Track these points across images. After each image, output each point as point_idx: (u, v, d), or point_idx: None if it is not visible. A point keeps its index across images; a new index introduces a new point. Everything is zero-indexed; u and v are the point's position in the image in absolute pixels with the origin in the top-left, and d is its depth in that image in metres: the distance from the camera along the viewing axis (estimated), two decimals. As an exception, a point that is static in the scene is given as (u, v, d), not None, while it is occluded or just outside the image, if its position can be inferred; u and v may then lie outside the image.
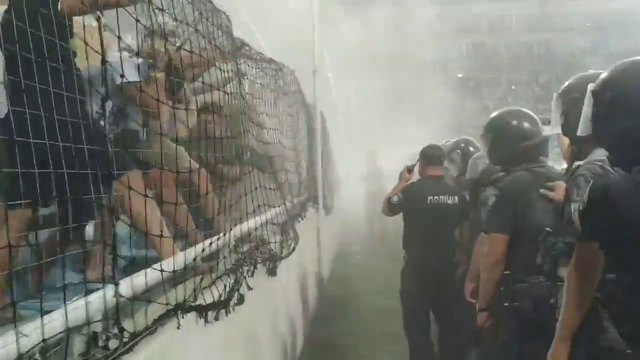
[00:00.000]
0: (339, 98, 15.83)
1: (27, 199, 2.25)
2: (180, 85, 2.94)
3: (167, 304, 2.03)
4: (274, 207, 4.31)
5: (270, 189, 4.11)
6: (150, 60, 2.79)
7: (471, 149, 4.84)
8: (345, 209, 14.47)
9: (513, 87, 42.18)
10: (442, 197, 4.72)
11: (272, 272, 4.09)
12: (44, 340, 1.44)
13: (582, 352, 2.11)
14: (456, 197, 4.76)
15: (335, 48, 14.68)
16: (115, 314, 1.72)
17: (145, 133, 3.18)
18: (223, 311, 2.79)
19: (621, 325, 1.96)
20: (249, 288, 3.34)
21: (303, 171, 6.37)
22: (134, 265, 2.11)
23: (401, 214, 4.93)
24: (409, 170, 5.04)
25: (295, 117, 5.82)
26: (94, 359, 1.72)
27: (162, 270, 2.05)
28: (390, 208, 4.87)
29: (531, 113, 3.38)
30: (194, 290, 2.33)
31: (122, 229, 2.93)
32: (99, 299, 1.67)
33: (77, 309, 1.59)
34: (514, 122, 3.32)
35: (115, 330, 1.80)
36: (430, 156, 4.91)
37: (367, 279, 9.05)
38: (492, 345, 3.40)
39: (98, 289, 1.74)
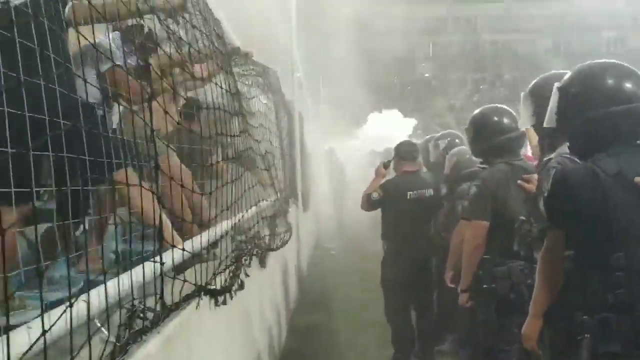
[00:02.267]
0: (308, 96, 16.05)
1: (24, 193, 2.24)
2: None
3: (195, 284, 2.24)
4: (268, 200, 4.54)
5: (265, 184, 4.32)
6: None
7: (457, 141, 5.16)
8: (316, 204, 14.75)
9: (481, 87, 42.96)
10: (420, 191, 5.03)
11: (262, 262, 4.32)
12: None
13: (554, 328, 2.37)
14: (432, 190, 5.08)
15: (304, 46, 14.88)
16: (160, 289, 1.90)
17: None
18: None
19: (578, 296, 2.19)
20: (247, 275, 3.56)
21: (287, 168, 6.60)
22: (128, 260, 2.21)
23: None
24: (385, 166, 5.32)
25: (278, 116, 6.05)
26: (133, 330, 1.91)
27: (183, 250, 2.25)
28: (370, 204, 5.12)
29: (510, 110, 3.68)
30: (214, 274, 2.53)
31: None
32: (139, 275, 1.86)
33: (118, 284, 1.77)
34: (495, 118, 3.62)
35: (151, 305, 2.00)
36: (404, 152, 5.20)
37: (342, 273, 9.31)
38: (471, 324, 3.70)
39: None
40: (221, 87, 2.78)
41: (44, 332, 1.31)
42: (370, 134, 17.89)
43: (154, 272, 1.87)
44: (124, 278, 1.70)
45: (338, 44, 22.51)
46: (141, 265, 1.86)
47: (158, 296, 1.89)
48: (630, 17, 40.84)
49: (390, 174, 5.35)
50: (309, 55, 13.90)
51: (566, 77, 2.36)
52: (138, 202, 2.00)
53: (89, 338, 1.55)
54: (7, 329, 1.28)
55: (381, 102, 23.08)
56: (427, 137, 6.19)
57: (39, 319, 1.33)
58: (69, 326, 1.46)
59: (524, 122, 2.99)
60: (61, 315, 1.41)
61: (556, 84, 2.37)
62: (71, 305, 1.45)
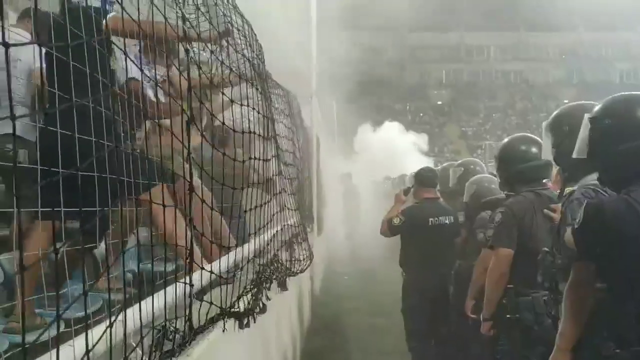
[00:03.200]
0: (323, 120, 16.14)
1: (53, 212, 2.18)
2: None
3: (221, 307, 2.23)
4: (293, 226, 4.55)
5: (290, 209, 4.34)
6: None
7: (478, 168, 5.15)
8: (329, 228, 14.72)
9: (493, 115, 43.03)
10: (440, 218, 5.04)
11: (282, 285, 4.30)
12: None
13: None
14: (452, 217, 5.08)
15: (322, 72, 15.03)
16: (188, 311, 1.90)
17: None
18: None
19: (611, 329, 2.16)
20: (268, 299, 3.55)
21: (305, 192, 6.62)
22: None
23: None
24: (405, 193, 5.37)
25: (299, 140, 6.09)
26: (163, 350, 1.91)
27: (212, 273, 2.25)
28: (391, 230, 5.12)
29: (538, 139, 3.68)
30: (239, 296, 2.52)
31: (131, 242, 3.11)
32: (171, 298, 1.86)
33: (149, 306, 1.77)
34: (522, 146, 3.62)
35: (178, 326, 2.00)
36: (424, 178, 5.23)
37: (355, 298, 9.25)
38: (493, 354, 3.65)
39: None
40: (259, 112, 2.81)
41: (88, 351, 1.31)
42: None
43: (182, 294, 1.86)
44: (154, 299, 1.69)
45: (351, 71, 22.70)
46: (170, 286, 1.86)
47: (186, 318, 1.87)
48: (644, 49, 40.81)
49: (408, 201, 5.38)
50: (323, 81, 14.06)
51: (598, 108, 2.36)
52: (170, 224, 2.01)
53: (126, 358, 1.56)
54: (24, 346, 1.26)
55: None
56: (445, 164, 6.19)
57: (82, 337, 1.34)
58: (107, 345, 1.47)
59: (545, 155, 2.99)
60: (102, 334, 1.41)
61: (587, 115, 2.37)
62: (111, 326, 1.46)
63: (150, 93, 2.74)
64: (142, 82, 2.18)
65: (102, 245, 3.64)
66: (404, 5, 34.86)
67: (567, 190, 2.77)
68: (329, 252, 13.36)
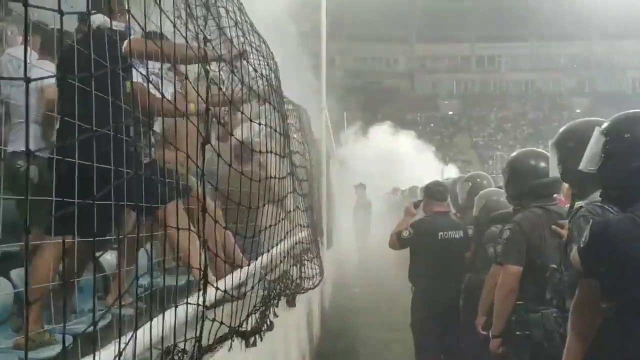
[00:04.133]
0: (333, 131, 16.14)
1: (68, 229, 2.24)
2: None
3: (229, 327, 2.24)
4: (307, 243, 4.55)
5: (304, 225, 4.35)
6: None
7: (485, 182, 5.14)
8: (339, 241, 14.68)
9: (505, 125, 42.86)
10: (450, 232, 5.00)
11: (291, 303, 4.29)
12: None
13: None
14: (461, 232, 5.05)
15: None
16: (200, 331, 1.91)
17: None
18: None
19: (617, 348, 2.14)
20: (276, 316, 3.54)
21: (315, 206, 6.62)
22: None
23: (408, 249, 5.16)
24: (416, 206, 5.33)
25: (309, 153, 6.11)
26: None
27: (225, 292, 2.26)
28: (401, 242, 5.09)
29: (546, 153, 3.67)
30: (248, 315, 2.53)
31: (142, 258, 3.13)
32: (182, 317, 1.87)
33: (163, 324, 1.78)
34: (532, 161, 3.61)
35: (184, 346, 2.00)
36: (435, 192, 5.21)
37: (365, 311, 9.21)
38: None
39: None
40: (275, 130, 2.83)
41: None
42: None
43: (193, 314, 1.86)
44: (164, 317, 1.70)
45: (360, 82, 22.78)
46: (182, 305, 1.87)
47: (196, 339, 1.88)
48: (656, 58, 40.56)
49: (419, 214, 5.35)
50: (333, 92, 14.11)
51: (614, 122, 2.34)
52: (184, 244, 2.02)
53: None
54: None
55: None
56: (455, 177, 6.18)
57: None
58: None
59: (553, 172, 2.98)
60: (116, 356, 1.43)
61: (598, 128, 2.35)
62: (120, 355, 1.47)
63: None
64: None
65: (110, 257, 3.69)
66: (414, 16, 34.98)
67: (576, 206, 2.76)
68: (339, 265, 13.33)
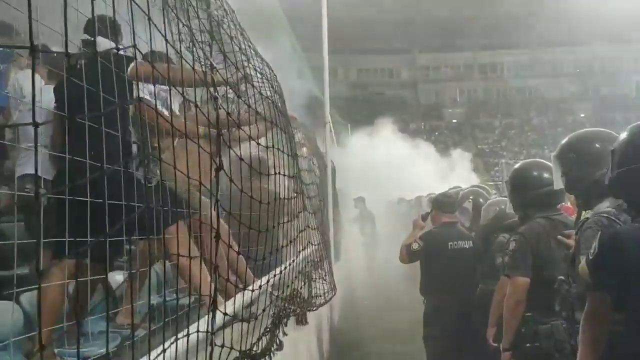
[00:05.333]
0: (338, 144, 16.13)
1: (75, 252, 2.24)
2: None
3: (239, 351, 2.23)
4: (320, 260, 4.56)
5: (316, 243, 4.35)
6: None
7: (481, 200, 5.15)
8: (346, 254, 14.63)
9: (509, 132, 42.80)
10: (459, 242, 5.02)
11: (301, 321, 4.28)
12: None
13: None
14: (470, 242, 5.04)
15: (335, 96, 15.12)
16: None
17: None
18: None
19: (627, 353, 2.15)
20: (285, 334, 3.53)
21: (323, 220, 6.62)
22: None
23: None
24: (424, 218, 5.36)
25: (315, 167, 6.12)
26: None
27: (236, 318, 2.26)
28: (410, 255, 5.10)
29: (549, 164, 3.68)
30: (259, 337, 2.52)
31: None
32: (193, 343, 1.87)
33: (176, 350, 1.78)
34: (534, 172, 3.62)
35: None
36: (442, 204, 5.23)
37: (374, 324, 9.17)
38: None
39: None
40: (283, 152, 2.85)
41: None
42: None
43: (203, 341, 1.87)
44: (173, 344, 1.70)
45: (363, 94, 22.84)
46: (193, 332, 1.87)
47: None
48: (660, 61, 40.51)
49: (427, 226, 5.37)
50: (337, 103, 14.15)
51: (623, 138, 2.33)
52: (195, 271, 2.03)
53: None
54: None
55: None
56: (457, 189, 6.22)
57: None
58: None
59: (557, 184, 2.98)
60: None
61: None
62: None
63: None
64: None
65: (118, 277, 3.70)
66: (415, 26, 35.10)
67: (583, 216, 2.76)
68: (347, 278, 13.28)
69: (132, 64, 2.76)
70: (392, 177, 18.08)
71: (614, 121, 29.83)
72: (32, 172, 3.89)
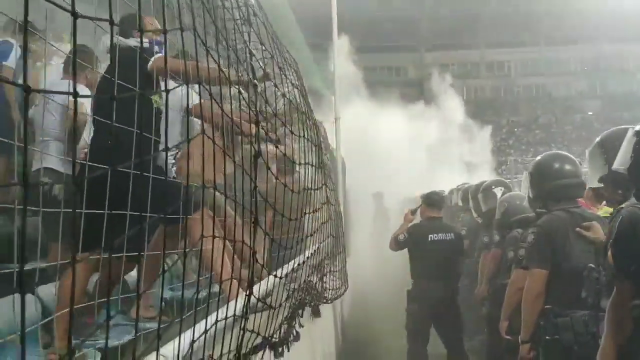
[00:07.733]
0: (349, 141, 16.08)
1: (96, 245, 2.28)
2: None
3: (263, 336, 2.24)
4: (335, 254, 4.64)
5: (333, 237, 4.41)
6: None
7: (502, 189, 5.54)
8: (357, 250, 14.59)
9: (516, 130, 42.66)
10: (440, 234, 5.78)
11: (316, 313, 4.30)
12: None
13: None
14: (452, 234, 5.86)
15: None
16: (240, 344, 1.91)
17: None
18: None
19: None
20: (301, 325, 3.54)
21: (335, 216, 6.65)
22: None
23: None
24: (412, 212, 6.14)
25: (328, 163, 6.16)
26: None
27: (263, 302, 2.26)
28: (397, 244, 5.91)
29: (572, 157, 3.67)
30: (281, 324, 2.53)
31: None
32: (220, 328, 1.87)
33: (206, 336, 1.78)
34: (556, 164, 3.60)
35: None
36: (431, 200, 6.03)
37: (384, 320, 9.16)
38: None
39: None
40: (310, 142, 2.87)
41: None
42: None
43: (227, 323, 1.87)
44: (203, 327, 1.71)
45: (372, 91, 22.78)
46: (221, 318, 1.87)
47: (236, 352, 1.88)
48: (667, 58, 40.28)
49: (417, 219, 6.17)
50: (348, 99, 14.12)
51: None
52: (218, 259, 2.03)
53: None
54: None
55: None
56: (466, 185, 6.58)
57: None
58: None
59: (592, 182, 2.92)
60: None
61: (632, 129, 2.34)
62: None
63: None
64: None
65: (133, 271, 3.71)
66: (422, 24, 35.01)
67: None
68: (357, 274, 13.24)
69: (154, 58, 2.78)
70: (407, 175, 18.02)
71: (621, 119, 29.69)
72: (48, 165, 3.92)
